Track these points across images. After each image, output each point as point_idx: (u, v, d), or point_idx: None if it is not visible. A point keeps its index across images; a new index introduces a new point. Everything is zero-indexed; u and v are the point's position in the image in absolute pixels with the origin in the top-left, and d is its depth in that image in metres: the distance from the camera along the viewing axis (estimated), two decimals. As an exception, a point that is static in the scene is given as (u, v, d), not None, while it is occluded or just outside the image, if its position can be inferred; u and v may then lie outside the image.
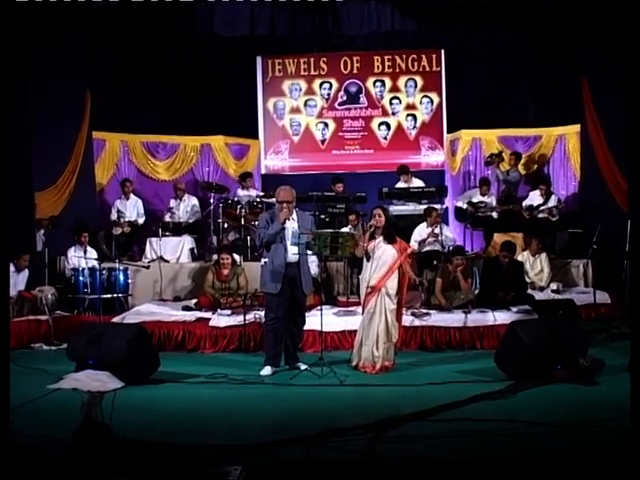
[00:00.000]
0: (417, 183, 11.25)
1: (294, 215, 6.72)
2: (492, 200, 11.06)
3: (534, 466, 4.09)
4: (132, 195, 11.26)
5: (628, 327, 6.24)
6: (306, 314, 7.03)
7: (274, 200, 7.08)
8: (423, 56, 12.82)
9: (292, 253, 6.59)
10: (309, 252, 6.73)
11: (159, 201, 12.04)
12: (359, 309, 7.16)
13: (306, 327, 7.10)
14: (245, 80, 12.83)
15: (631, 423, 3.93)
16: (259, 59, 12.98)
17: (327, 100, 13.03)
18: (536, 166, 12.06)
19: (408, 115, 12.97)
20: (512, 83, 12.26)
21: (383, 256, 6.71)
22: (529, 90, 12.34)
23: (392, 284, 6.71)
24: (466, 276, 8.67)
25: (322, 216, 10.48)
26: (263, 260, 6.76)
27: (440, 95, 12.85)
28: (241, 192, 11.38)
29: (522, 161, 11.78)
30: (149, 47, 11.87)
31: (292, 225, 6.65)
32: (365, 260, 6.82)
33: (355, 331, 7.02)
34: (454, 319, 8.01)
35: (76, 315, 8.92)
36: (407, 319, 7.92)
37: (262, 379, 6.44)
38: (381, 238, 6.79)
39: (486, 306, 8.26)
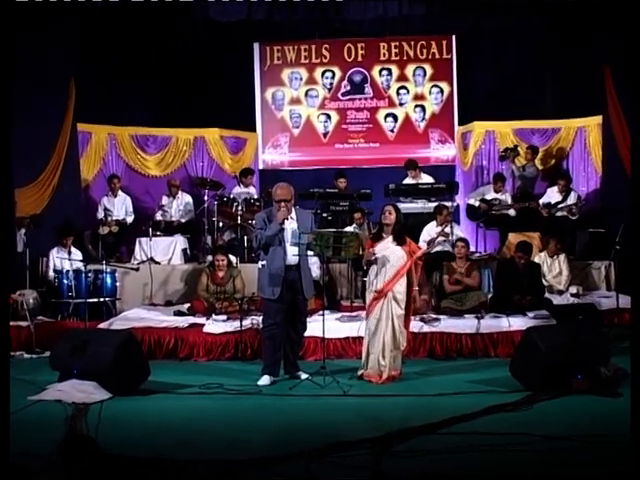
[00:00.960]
0: (426, 179, 11.25)
1: (293, 214, 6.71)
2: (507, 197, 11.04)
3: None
4: (120, 192, 11.26)
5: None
6: (307, 320, 7.02)
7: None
8: (433, 42, 12.81)
9: (292, 255, 6.58)
10: (310, 253, 6.72)
11: (149, 198, 12.04)
12: (364, 314, 7.16)
13: (307, 333, 7.10)
14: (241, 69, 12.82)
15: (631, 441, 3.89)
16: (256, 46, 12.98)
17: (329, 90, 13.03)
18: (554, 161, 12.06)
19: (416, 106, 12.96)
20: (528, 71, 12.25)
21: (391, 258, 6.69)
22: (547, 79, 12.32)
23: (400, 288, 6.70)
24: (470, 272, 8.70)
25: (324, 214, 10.49)
26: (260, 263, 6.76)
27: (451, 84, 12.84)
28: (239, 189, 11.37)
29: (539, 155, 11.77)
30: (139, 34, 11.87)
31: (291, 225, 6.64)
32: (365, 266, 6.82)
33: (360, 338, 7.01)
34: (466, 325, 8.00)
35: (60, 321, 8.92)
36: (415, 325, 7.91)
37: (260, 389, 6.43)
38: (390, 238, 6.77)
39: (500, 311, 8.25)
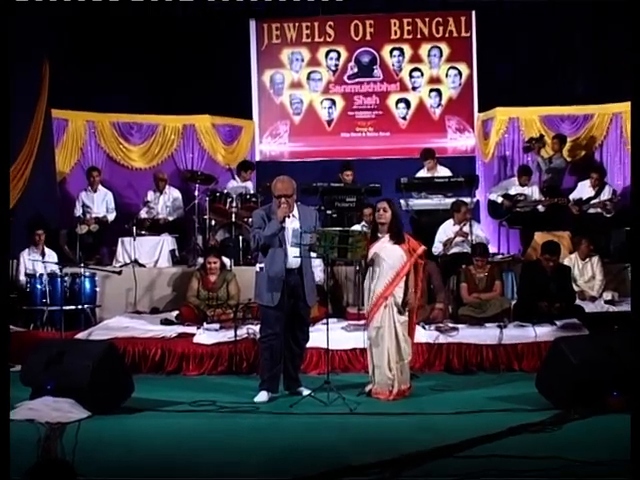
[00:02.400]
0: (443, 172, 11.24)
1: (295, 211, 6.71)
2: (533, 192, 11.01)
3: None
4: (100, 186, 11.27)
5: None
6: (309, 329, 7.01)
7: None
8: (450, 19, 12.82)
9: (293, 257, 6.57)
10: (313, 255, 6.70)
11: (133, 193, 12.06)
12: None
13: (309, 344, 7.09)
14: (236, 49, 12.82)
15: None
16: (252, 23, 12.99)
17: (334, 72, 13.03)
18: (584, 152, 12.04)
19: (432, 90, 12.96)
20: (557, 51, 12.24)
21: (389, 259, 6.69)
22: (578, 59, 12.30)
23: (401, 292, 6.71)
24: (492, 280, 8.71)
25: (328, 211, 10.49)
26: (258, 266, 6.75)
27: (470, 66, 12.85)
28: (234, 183, 11.36)
29: (567, 146, 11.75)
30: (121, 9, 11.83)
31: (293, 224, 6.63)
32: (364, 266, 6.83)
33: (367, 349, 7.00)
34: (487, 335, 7.99)
35: (32, 330, 8.93)
36: (430, 335, 7.93)
37: (257, 407, 6.43)
38: (386, 237, 6.77)
39: (525, 319, 8.24)
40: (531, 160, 11.68)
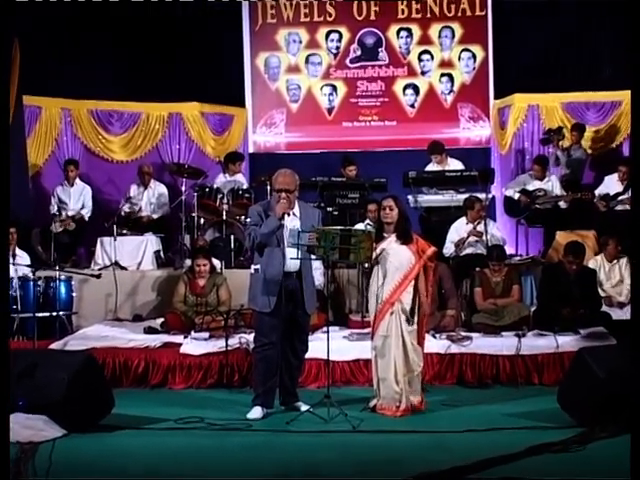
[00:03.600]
0: (455, 165, 11.24)
1: (296, 209, 6.70)
2: (554, 187, 11.00)
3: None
4: (78, 181, 11.26)
5: None
6: (309, 338, 7.00)
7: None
8: (463, -4, 12.84)
9: (290, 257, 6.55)
10: (312, 257, 6.69)
11: (113, 188, 12.07)
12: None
13: (308, 355, 7.09)
14: (227, 30, 12.81)
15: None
16: (245, 1, 12.98)
17: (335, 56, 13.03)
18: (610, 143, 12.02)
19: (443, 75, 12.97)
20: (583, 30, 12.20)
21: (396, 261, 6.69)
22: (605, 40, 12.28)
23: (409, 297, 6.71)
24: (509, 284, 8.72)
25: (329, 209, 10.49)
26: (253, 267, 6.74)
27: (485, 48, 12.86)
28: (223, 178, 11.36)
29: (589, 136, 11.76)
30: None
31: (293, 222, 6.62)
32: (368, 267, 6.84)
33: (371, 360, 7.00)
34: (503, 344, 7.99)
35: (3, 340, 8.90)
36: (441, 345, 7.93)
37: (250, 424, 6.43)
38: (392, 237, 6.77)
39: (546, 327, 8.24)
40: (551, 153, 11.65)
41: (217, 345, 8.02)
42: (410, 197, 10.52)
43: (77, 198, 11.17)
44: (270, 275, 6.57)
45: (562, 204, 10.82)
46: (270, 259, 6.59)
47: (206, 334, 8.27)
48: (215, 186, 10.82)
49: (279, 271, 6.54)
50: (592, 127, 11.97)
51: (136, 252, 10.54)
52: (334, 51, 13.03)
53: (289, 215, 6.60)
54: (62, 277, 9.27)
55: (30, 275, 8.99)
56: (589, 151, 11.75)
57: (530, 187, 11.06)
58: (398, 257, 6.70)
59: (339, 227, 6.97)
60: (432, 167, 11.22)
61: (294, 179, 6.67)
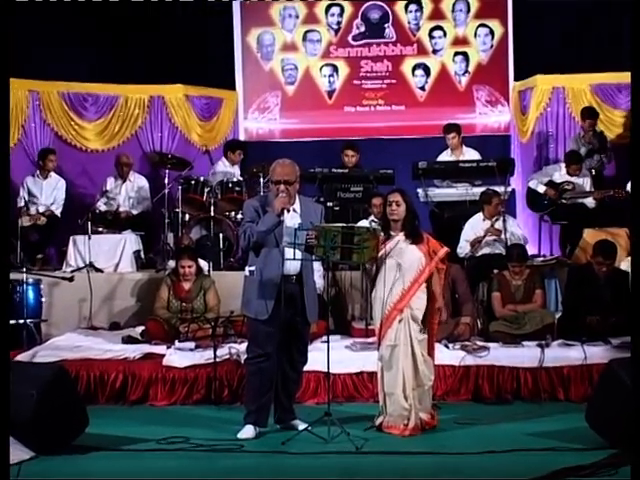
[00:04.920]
0: (470, 155, 11.25)
1: (297, 204, 6.70)
2: (585, 183, 10.98)
3: None
4: (53, 173, 11.22)
5: None
6: (308, 349, 7.00)
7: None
8: (479, -35, 12.87)
9: (286, 258, 6.53)
10: (311, 258, 6.68)
11: (88, 181, 12.07)
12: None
13: (306, 367, 7.09)
14: (215, 3, 12.79)
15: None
16: (235, -29, 13.03)
17: (336, 32, 13.04)
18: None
19: (457, 54, 12.98)
20: (614, 3, 12.18)
21: (405, 262, 6.70)
22: None
23: (420, 303, 6.72)
24: (531, 288, 8.71)
25: (329, 203, 10.48)
26: (248, 269, 6.73)
27: (504, 23, 12.89)
28: (223, 166, 11.36)
29: (621, 120, 11.76)
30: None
31: (293, 219, 6.61)
32: (373, 272, 6.84)
33: (377, 373, 7.00)
34: (525, 355, 8.00)
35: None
36: (455, 355, 7.93)
37: (241, 444, 6.42)
38: (401, 236, 6.77)
39: (573, 337, 8.23)
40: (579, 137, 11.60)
41: (204, 356, 8.01)
42: (420, 191, 10.52)
43: (50, 192, 11.14)
44: (267, 278, 6.56)
45: (590, 202, 10.74)
46: (267, 260, 6.57)
47: (192, 344, 8.25)
48: (202, 179, 10.79)
49: (277, 274, 6.53)
50: (624, 112, 11.95)
51: (113, 252, 10.52)
52: (335, 27, 13.04)
53: (289, 211, 6.58)
54: (30, 280, 9.24)
55: (-6, 278, 8.98)
56: (616, 139, 11.73)
57: (557, 179, 11.04)
58: (408, 258, 6.70)
59: (340, 224, 6.96)
60: (445, 157, 11.22)
61: (294, 169, 6.67)
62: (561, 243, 11.11)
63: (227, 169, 11.31)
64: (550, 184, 11.03)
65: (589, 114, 11.54)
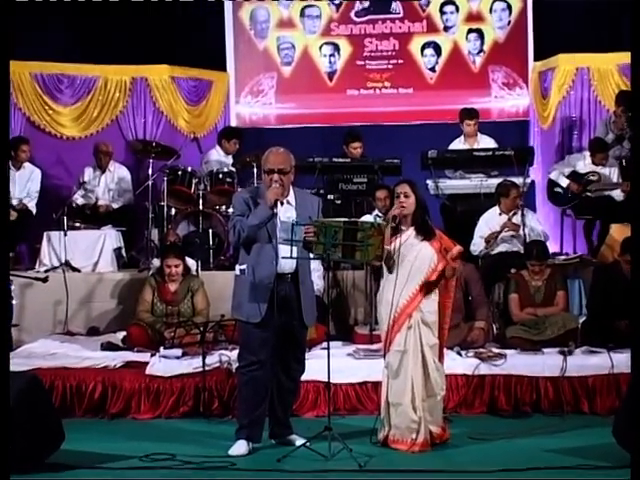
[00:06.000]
0: (485, 143, 11.25)
1: (291, 196, 6.71)
2: (612, 173, 10.99)
3: None
4: (27, 163, 11.20)
5: None
6: (305, 356, 7.02)
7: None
8: None
9: (282, 257, 6.54)
10: (310, 256, 6.69)
11: (63, 171, 12.07)
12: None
13: (304, 377, 7.10)
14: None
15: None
16: (226, -61, 13.04)
17: (338, 7, 13.06)
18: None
19: (470, 31, 13.00)
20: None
21: (415, 260, 6.70)
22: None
23: (431, 305, 6.73)
24: (552, 289, 8.72)
25: (330, 196, 10.49)
26: (239, 268, 6.74)
27: (523, -2, 12.89)
28: (217, 154, 11.38)
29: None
30: None
31: (287, 212, 6.62)
32: (386, 270, 6.82)
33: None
34: (545, 364, 8.00)
35: None
36: (468, 364, 7.95)
37: (232, 462, 6.42)
38: (410, 231, 6.78)
39: (598, 343, 8.24)
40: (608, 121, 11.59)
41: (192, 365, 8.02)
42: (430, 182, 10.52)
43: (23, 184, 11.10)
44: (259, 278, 6.57)
45: (617, 194, 10.75)
46: (259, 258, 6.58)
47: (178, 351, 8.25)
48: (189, 169, 10.80)
49: (270, 273, 6.54)
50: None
51: (91, 250, 10.54)
52: (336, 2, 13.04)
53: (282, 204, 6.60)
54: (0, 281, 9.28)
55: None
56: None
57: (581, 169, 11.05)
58: (418, 256, 6.69)
59: (342, 219, 6.96)
60: (458, 145, 11.21)
61: (289, 158, 6.68)
62: (586, 240, 11.13)
63: (222, 158, 11.32)
64: (573, 175, 11.04)
65: (625, 99, 11.49)
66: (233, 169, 10.96)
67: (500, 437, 7.06)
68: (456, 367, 7.79)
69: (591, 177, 10.95)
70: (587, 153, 11.19)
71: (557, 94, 12.34)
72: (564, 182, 11.07)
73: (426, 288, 6.68)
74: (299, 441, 6.71)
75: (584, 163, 11.12)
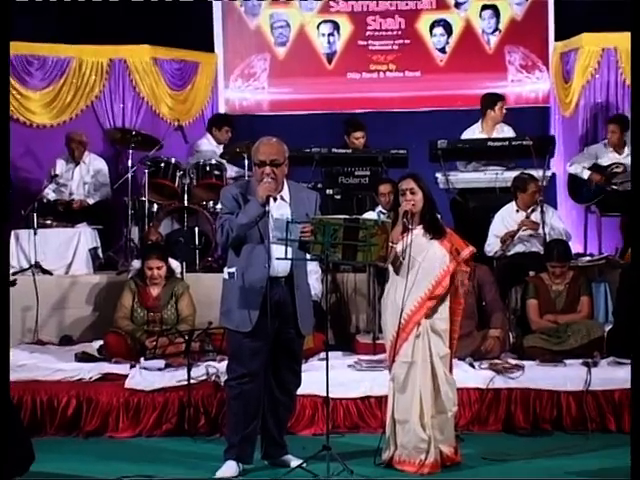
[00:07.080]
0: (501, 132, 11.21)
1: (285, 191, 6.71)
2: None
3: None
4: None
5: None
6: (302, 367, 7.03)
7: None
8: None
9: (276, 258, 6.55)
10: (306, 257, 6.70)
11: (33, 163, 12.07)
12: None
13: (300, 391, 7.11)
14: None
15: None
16: None
17: (337, -19, 13.08)
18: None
19: (485, 8, 13.01)
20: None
21: (425, 261, 6.71)
22: None
23: (442, 312, 6.75)
24: (575, 294, 8.75)
25: (329, 191, 10.50)
26: (227, 271, 6.75)
27: (543, -28, 12.91)
28: (208, 143, 11.40)
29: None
30: None
31: (281, 209, 6.63)
32: (392, 272, 6.83)
33: (386, 397, 7.03)
34: (567, 377, 8.02)
35: None
36: (482, 376, 7.96)
37: (220, 485, 6.46)
38: (418, 229, 6.79)
39: (626, 354, 8.24)
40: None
41: (176, 377, 8.03)
42: (439, 175, 10.54)
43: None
44: (250, 282, 6.57)
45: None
46: (250, 260, 6.59)
47: (161, 362, 8.28)
48: (173, 160, 10.80)
49: (263, 276, 6.52)
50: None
51: (64, 250, 10.55)
52: (335, -25, 13.09)
53: (275, 200, 6.60)
54: (-37, 284, 9.29)
55: None
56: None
57: (604, 161, 11.07)
58: (428, 257, 6.70)
59: (342, 216, 6.97)
60: (470, 134, 11.18)
61: (282, 149, 6.67)
62: (614, 239, 11.14)
63: (214, 148, 11.34)
64: (595, 168, 11.04)
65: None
66: (222, 160, 10.95)
67: (517, 458, 7.08)
68: (468, 380, 7.81)
69: (615, 169, 10.96)
70: (609, 143, 11.14)
71: (581, 78, 12.33)
72: (585, 174, 11.06)
73: (435, 297, 6.70)
74: (294, 462, 6.72)
75: (606, 154, 11.11)
